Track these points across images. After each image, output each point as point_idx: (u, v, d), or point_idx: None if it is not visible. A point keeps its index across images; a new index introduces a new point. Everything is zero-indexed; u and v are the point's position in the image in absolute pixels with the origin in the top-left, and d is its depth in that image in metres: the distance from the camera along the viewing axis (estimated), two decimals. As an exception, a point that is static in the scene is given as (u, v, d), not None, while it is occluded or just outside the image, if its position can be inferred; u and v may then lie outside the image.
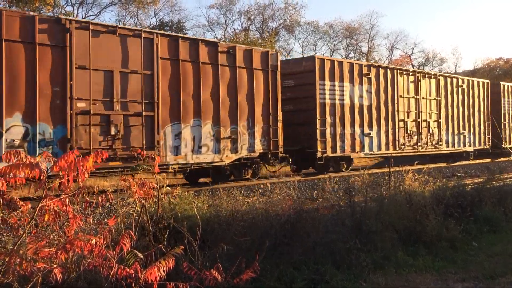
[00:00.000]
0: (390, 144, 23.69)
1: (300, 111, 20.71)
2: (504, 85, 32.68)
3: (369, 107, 22.72)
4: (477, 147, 29.64)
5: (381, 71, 23.58)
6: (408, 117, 24.78)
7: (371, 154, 23.09)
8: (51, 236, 4.48)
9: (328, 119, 20.73)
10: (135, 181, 5.99)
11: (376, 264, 7.87)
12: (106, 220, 5.01)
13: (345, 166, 22.20)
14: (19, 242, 4.11)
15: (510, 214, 11.82)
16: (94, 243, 3.88)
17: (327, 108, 20.75)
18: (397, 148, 24.03)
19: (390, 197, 9.97)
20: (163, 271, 3.96)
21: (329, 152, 20.74)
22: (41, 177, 3.76)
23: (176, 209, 7.83)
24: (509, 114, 32.57)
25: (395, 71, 24.56)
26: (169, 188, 7.48)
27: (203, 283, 4.58)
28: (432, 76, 26.81)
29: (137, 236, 6.34)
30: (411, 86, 25.23)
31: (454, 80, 28.34)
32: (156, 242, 6.42)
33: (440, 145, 26.60)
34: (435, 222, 9.42)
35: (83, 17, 42.06)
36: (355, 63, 22.97)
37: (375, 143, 22.97)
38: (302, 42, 61.08)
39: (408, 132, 24.71)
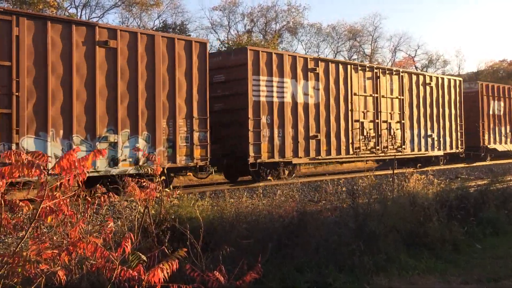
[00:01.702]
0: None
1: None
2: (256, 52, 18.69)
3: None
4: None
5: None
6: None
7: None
8: (54, 238, 4.49)
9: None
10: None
11: (379, 266, 7.86)
12: (108, 222, 5.01)
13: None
14: (21, 244, 4.12)
15: (513, 217, 11.79)
16: (97, 244, 3.89)
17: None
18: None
19: (393, 199, 9.97)
20: (167, 273, 3.96)
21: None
22: (41, 178, 3.75)
23: (179, 211, 7.85)
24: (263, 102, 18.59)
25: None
26: (168, 191, 7.47)
27: (206, 284, 4.58)
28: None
29: (140, 237, 6.35)
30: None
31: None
32: (158, 244, 6.43)
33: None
34: (438, 224, 9.41)
35: (87, 19, 42.16)
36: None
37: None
38: (305, 44, 61.20)
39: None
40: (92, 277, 5.21)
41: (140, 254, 4.17)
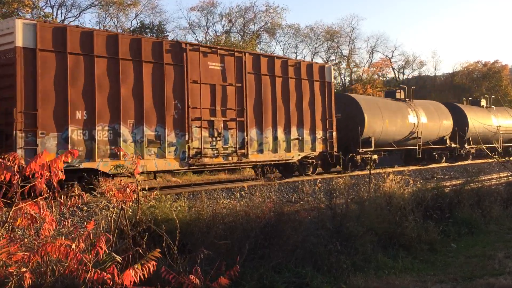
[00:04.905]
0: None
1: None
2: None
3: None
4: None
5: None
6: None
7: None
8: (26, 240, 4.40)
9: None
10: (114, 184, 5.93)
11: (356, 266, 7.90)
12: (84, 224, 4.93)
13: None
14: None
15: (488, 216, 11.94)
16: (70, 247, 3.82)
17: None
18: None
19: (370, 199, 10.02)
20: (142, 274, 3.91)
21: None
22: (13, 180, 3.68)
23: (155, 212, 7.77)
24: None
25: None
26: (145, 192, 7.40)
27: (182, 286, 4.54)
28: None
29: (116, 239, 6.27)
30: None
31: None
32: (135, 246, 6.36)
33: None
34: (415, 224, 9.48)
35: (62, 18, 41.67)
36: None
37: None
38: (283, 45, 61.25)
39: None
40: (67, 280, 5.13)
41: (115, 255, 4.10)
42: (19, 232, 5.54)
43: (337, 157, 21.72)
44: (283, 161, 19.67)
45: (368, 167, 23.47)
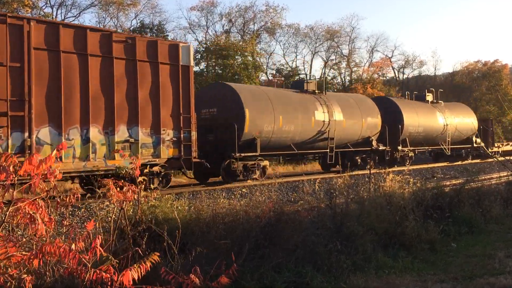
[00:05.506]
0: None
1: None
2: None
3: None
4: None
5: None
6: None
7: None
8: (24, 240, 4.39)
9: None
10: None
11: (357, 266, 7.89)
12: (84, 224, 4.93)
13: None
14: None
15: (488, 216, 11.94)
16: (69, 247, 3.82)
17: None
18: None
19: (370, 199, 10.02)
20: (140, 273, 3.91)
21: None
22: (7, 181, 3.68)
23: (156, 212, 7.77)
24: None
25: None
26: (147, 192, 7.40)
27: (181, 286, 4.54)
28: None
29: (116, 239, 6.27)
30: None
31: None
32: (135, 246, 6.36)
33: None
34: (415, 224, 9.48)
35: (63, 18, 41.64)
36: None
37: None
38: (283, 45, 61.30)
39: None
40: (66, 280, 5.13)
41: (110, 256, 4.10)
42: (19, 232, 5.54)
43: (197, 164, 16.79)
44: (102, 172, 14.13)
45: (255, 176, 18.93)
